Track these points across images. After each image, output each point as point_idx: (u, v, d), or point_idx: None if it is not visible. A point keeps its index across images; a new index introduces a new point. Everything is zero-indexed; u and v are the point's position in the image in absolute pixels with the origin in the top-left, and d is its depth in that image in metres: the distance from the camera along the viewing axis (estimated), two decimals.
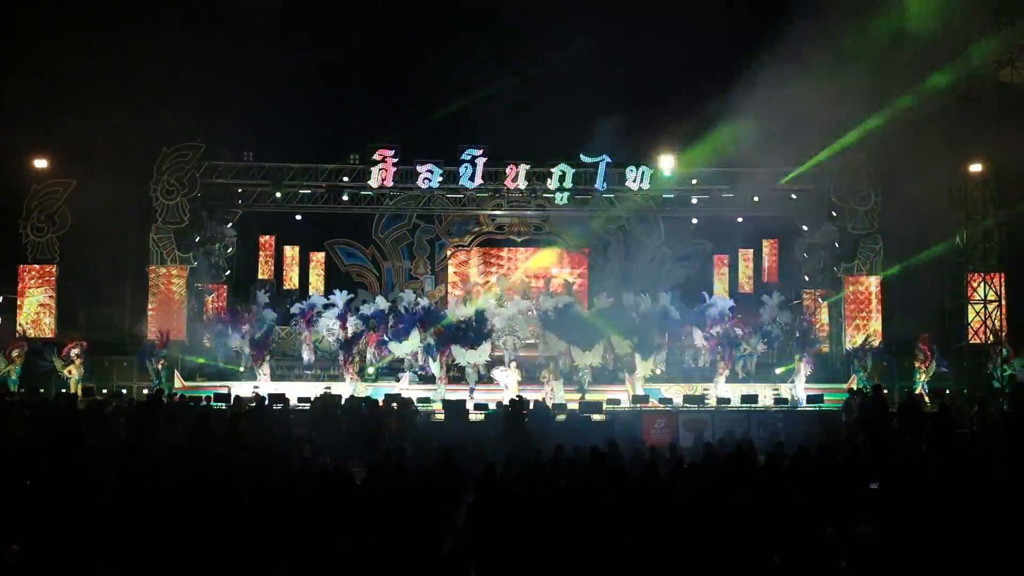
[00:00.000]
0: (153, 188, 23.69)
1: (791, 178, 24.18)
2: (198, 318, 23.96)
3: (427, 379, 22.53)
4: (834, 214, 24.29)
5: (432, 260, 28.70)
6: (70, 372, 21.79)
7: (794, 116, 21.63)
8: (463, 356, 21.92)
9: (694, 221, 27.00)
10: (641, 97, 24.72)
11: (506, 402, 18.58)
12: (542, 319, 23.17)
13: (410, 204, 26.39)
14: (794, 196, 25.27)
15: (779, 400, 20.89)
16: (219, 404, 19.24)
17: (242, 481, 8.94)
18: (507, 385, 21.01)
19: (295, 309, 24.09)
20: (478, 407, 19.02)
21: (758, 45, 20.99)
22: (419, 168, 24.33)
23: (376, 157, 24.12)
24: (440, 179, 24.40)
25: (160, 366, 21.80)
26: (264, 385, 21.60)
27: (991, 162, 20.17)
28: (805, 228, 25.60)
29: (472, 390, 21.43)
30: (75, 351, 22.01)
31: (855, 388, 20.40)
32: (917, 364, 21.65)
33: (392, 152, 24.16)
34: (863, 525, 8.11)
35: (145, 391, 20.87)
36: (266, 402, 18.88)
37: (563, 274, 27.80)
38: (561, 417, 18.52)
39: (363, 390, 21.08)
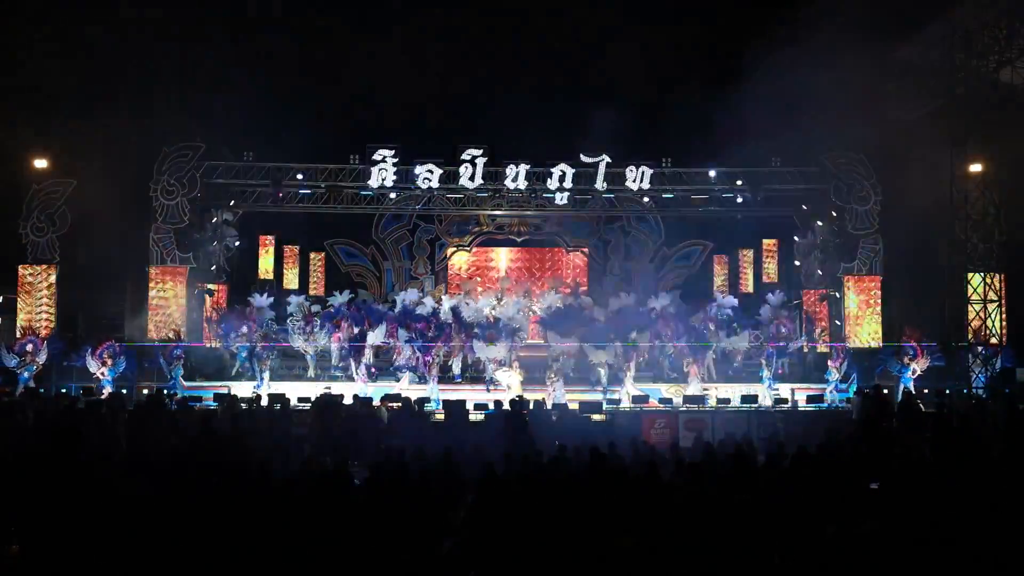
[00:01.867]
0: (153, 188, 23.69)
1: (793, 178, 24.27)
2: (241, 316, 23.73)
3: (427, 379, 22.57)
4: (833, 214, 24.30)
5: (432, 260, 28.70)
6: (174, 372, 21.74)
7: (795, 115, 21.67)
8: (483, 351, 22.12)
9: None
10: (640, 97, 24.74)
11: (506, 402, 18.59)
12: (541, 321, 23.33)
13: (410, 204, 26.39)
14: (794, 196, 25.29)
15: (779, 400, 20.89)
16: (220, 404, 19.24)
17: (242, 481, 8.95)
18: (509, 385, 21.03)
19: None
20: (478, 407, 19.00)
21: (758, 45, 21.00)
22: (419, 168, 24.33)
23: (376, 157, 24.14)
24: (440, 179, 24.40)
25: (265, 367, 21.93)
26: (361, 386, 21.36)
27: (991, 162, 20.15)
28: (799, 230, 25.67)
29: (490, 380, 21.71)
30: (176, 351, 22.03)
31: (857, 389, 20.43)
32: (829, 364, 21.80)
33: (392, 152, 24.17)
34: (863, 525, 8.11)
35: (145, 391, 20.87)
36: (263, 403, 18.87)
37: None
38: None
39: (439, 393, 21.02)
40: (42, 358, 21.64)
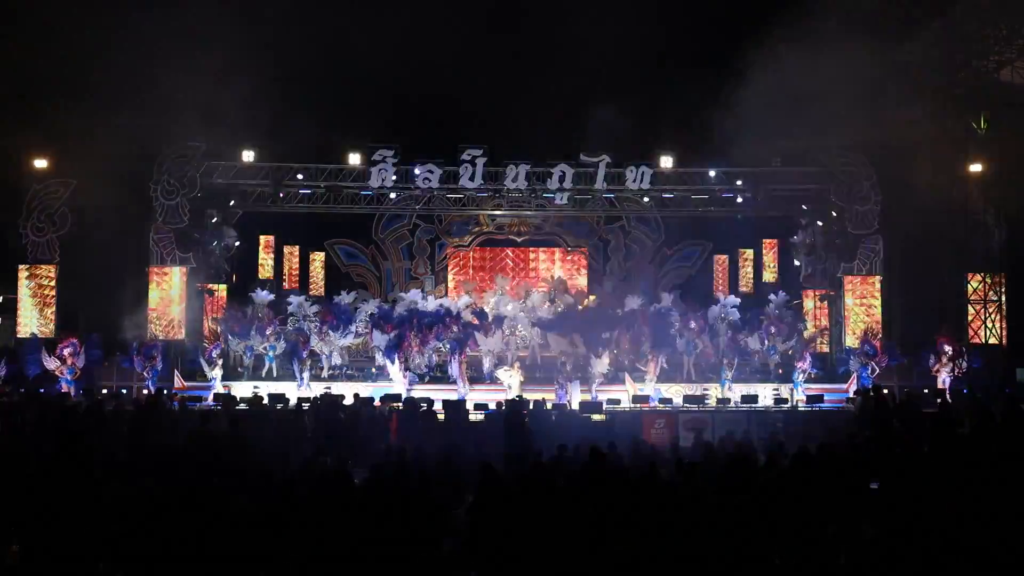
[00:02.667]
0: (153, 188, 23.67)
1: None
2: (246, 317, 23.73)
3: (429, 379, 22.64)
4: (833, 214, 24.30)
5: (432, 260, 28.70)
6: (215, 373, 21.83)
7: (795, 115, 21.66)
8: (484, 343, 22.40)
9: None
10: (641, 96, 24.72)
11: (506, 402, 18.59)
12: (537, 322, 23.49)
13: (410, 204, 26.37)
14: (794, 196, 25.29)
15: (779, 400, 20.91)
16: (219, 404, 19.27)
17: (242, 481, 8.94)
18: (510, 385, 21.05)
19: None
20: (478, 407, 19.02)
21: (758, 45, 21.00)
22: (419, 168, 24.33)
23: (376, 157, 24.13)
24: (440, 179, 24.39)
25: (306, 367, 22.03)
26: (401, 387, 21.29)
27: (991, 162, 20.16)
28: (798, 230, 25.71)
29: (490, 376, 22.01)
30: (216, 352, 22.17)
31: (858, 389, 20.49)
32: (796, 364, 22.07)
33: (392, 152, 24.16)
34: (863, 525, 8.11)
35: (145, 391, 20.90)
36: (263, 403, 18.90)
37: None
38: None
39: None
40: (81, 361, 21.72)
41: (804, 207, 25.51)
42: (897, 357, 22.08)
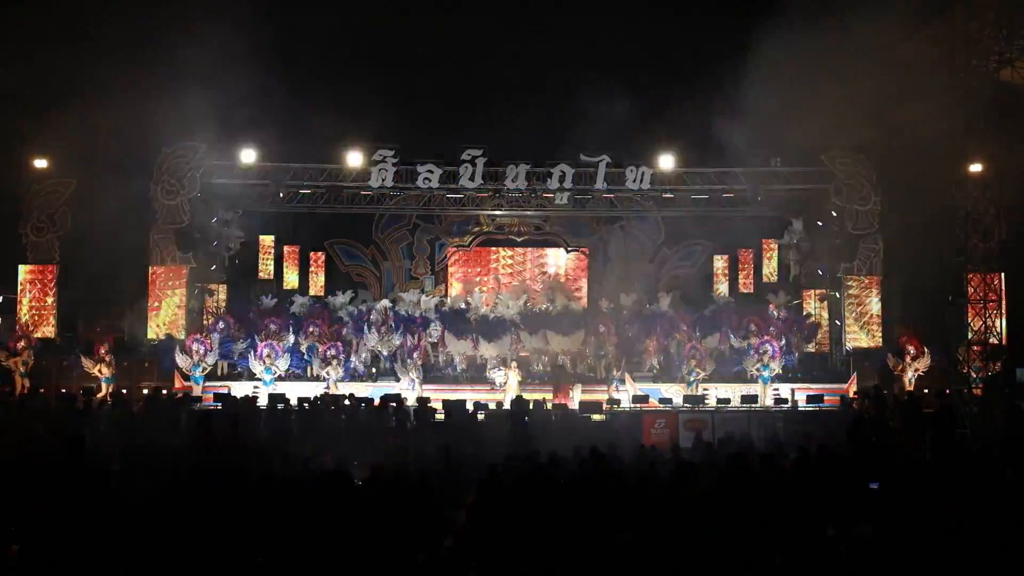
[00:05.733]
0: (153, 188, 23.65)
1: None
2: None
3: (429, 379, 22.64)
4: (834, 214, 24.30)
5: (432, 260, 28.70)
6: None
7: (795, 115, 21.66)
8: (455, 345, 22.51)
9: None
10: (641, 96, 24.72)
11: (507, 403, 18.63)
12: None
13: (410, 204, 26.36)
14: (794, 196, 25.29)
15: (779, 400, 20.92)
16: (218, 404, 19.30)
17: (242, 481, 8.95)
18: (503, 384, 21.05)
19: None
20: (478, 407, 19.02)
21: (759, 45, 21.01)
22: (419, 168, 24.32)
23: (376, 157, 24.12)
24: (440, 179, 24.39)
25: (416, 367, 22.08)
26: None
27: (991, 162, 20.13)
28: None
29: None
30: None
31: (858, 389, 20.53)
32: (693, 363, 22.15)
33: (392, 152, 24.16)
34: (863, 525, 8.12)
35: (145, 391, 20.90)
36: (263, 402, 18.90)
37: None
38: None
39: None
40: (211, 359, 21.81)
41: (804, 207, 25.50)
42: (792, 359, 22.83)
